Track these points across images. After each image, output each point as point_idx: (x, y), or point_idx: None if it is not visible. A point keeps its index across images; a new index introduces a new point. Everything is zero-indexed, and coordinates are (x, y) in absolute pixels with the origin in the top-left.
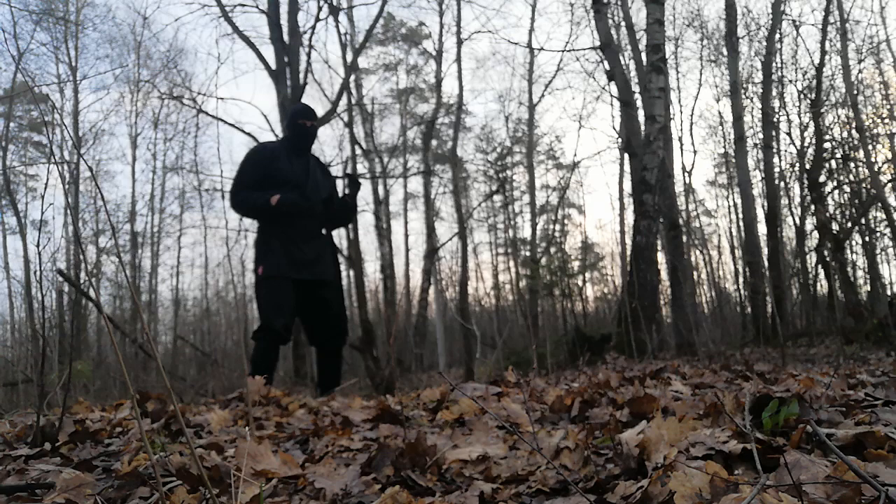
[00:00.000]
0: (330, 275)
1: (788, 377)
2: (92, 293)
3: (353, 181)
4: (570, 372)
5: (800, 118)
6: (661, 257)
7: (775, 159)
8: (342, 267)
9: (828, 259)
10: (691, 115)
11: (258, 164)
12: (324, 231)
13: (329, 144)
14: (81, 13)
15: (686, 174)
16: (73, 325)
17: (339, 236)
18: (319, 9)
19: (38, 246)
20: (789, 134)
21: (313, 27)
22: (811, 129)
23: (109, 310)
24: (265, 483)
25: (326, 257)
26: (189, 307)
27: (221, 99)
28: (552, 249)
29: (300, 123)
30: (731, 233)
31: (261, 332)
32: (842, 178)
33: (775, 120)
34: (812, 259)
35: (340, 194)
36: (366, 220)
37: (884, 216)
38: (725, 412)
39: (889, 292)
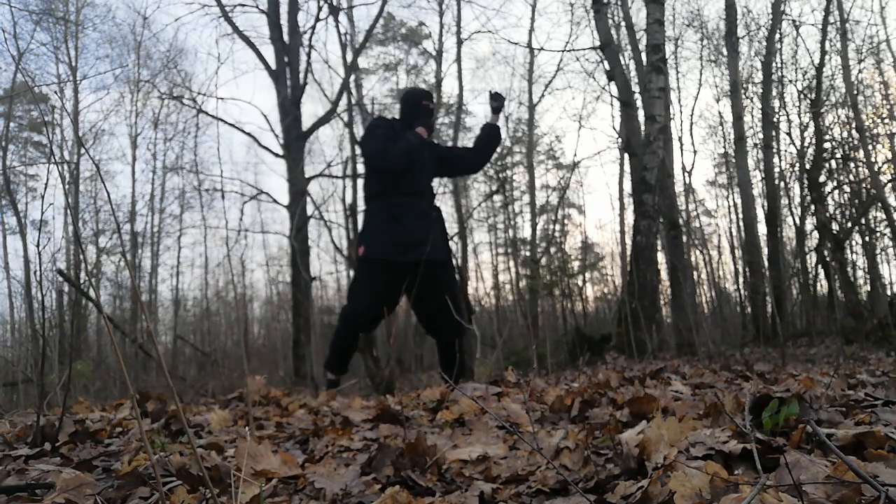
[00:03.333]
0: (440, 254)
1: (788, 377)
2: (92, 293)
3: (497, 97)
4: (570, 372)
5: (800, 118)
6: (661, 257)
7: (775, 159)
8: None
9: (828, 259)
10: (691, 115)
11: (388, 128)
12: (433, 209)
13: (329, 144)
14: (81, 13)
15: (686, 174)
16: (73, 325)
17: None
18: (319, 9)
19: (38, 246)
20: (789, 134)
21: (313, 27)
22: (811, 129)
23: (109, 310)
24: (265, 483)
25: (436, 237)
26: (189, 307)
27: (221, 99)
28: (552, 249)
29: (425, 105)
30: (731, 233)
31: (342, 314)
32: (842, 178)
33: (775, 120)
34: (812, 259)
35: (486, 117)
36: None
37: (884, 216)
38: (725, 412)
39: (889, 292)
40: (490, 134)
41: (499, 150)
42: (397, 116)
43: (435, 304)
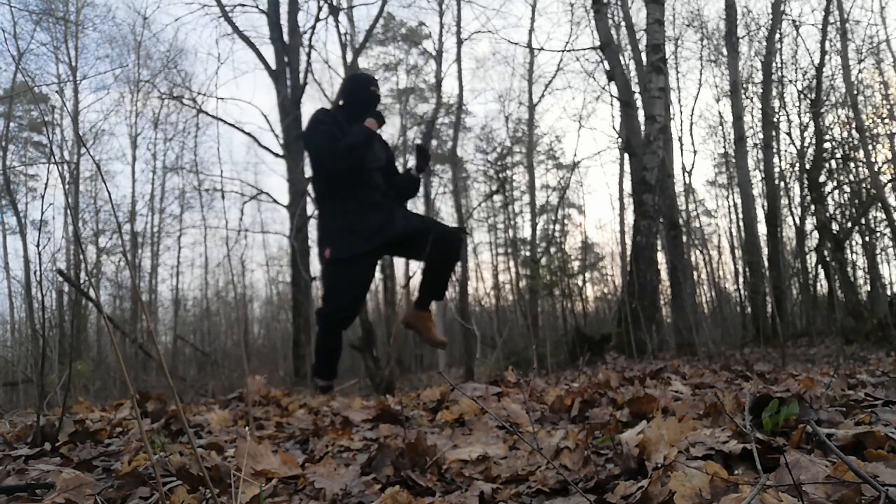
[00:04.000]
0: (403, 227)
1: (788, 377)
2: (92, 293)
3: (423, 153)
4: (570, 372)
5: (800, 118)
6: (661, 257)
7: (775, 159)
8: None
9: (828, 259)
10: (691, 115)
11: (332, 124)
12: (387, 198)
13: None
14: (81, 13)
15: (686, 174)
16: (73, 325)
17: None
18: (319, 9)
19: (38, 246)
20: (789, 134)
21: (313, 27)
22: (811, 129)
23: (109, 310)
24: (265, 483)
25: (399, 215)
26: (189, 307)
27: (221, 99)
28: (552, 249)
29: (371, 90)
30: (731, 233)
31: (321, 316)
32: (842, 178)
33: (775, 120)
34: (812, 259)
35: (407, 166)
36: None
37: (884, 216)
38: (725, 412)
39: (889, 292)
40: (409, 184)
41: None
42: (341, 105)
43: (417, 245)
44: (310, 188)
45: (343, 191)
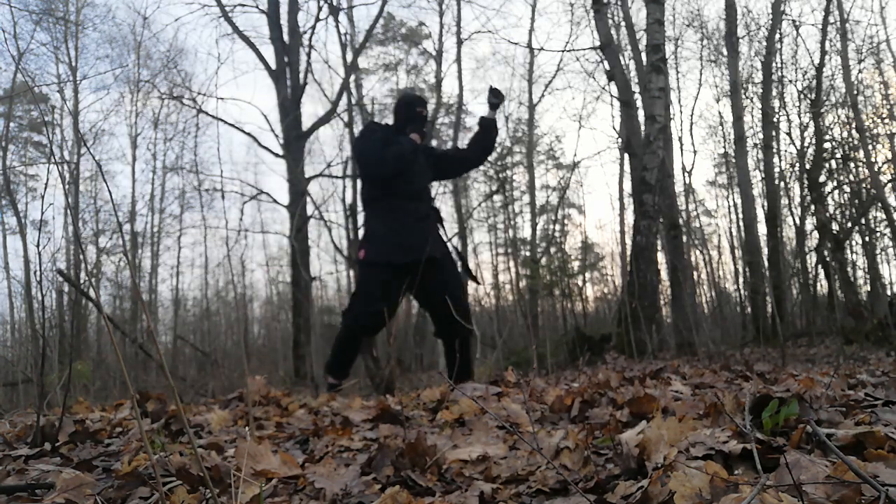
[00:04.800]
0: (438, 252)
1: (788, 377)
2: (92, 293)
3: (495, 91)
4: (570, 372)
5: (800, 118)
6: (661, 257)
7: (775, 159)
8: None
9: (828, 259)
10: (691, 115)
11: (382, 132)
12: (431, 210)
13: (329, 144)
14: (81, 13)
15: (686, 174)
16: (73, 325)
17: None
18: (319, 9)
19: (38, 246)
20: (789, 134)
21: (313, 27)
22: (811, 129)
23: (109, 310)
24: (265, 483)
25: (434, 237)
26: (189, 307)
27: (221, 99)
28: (552, 249)
29: (419, 111)
30: (731, 233)
31: (345, 318)
32: (842, 178)
33: (775, 120)
34: (812, 259)
35: (483, 112)
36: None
37: (884, 216)
38: (725, 412)
39: (889, 292)
40: (487, 128)
41: (497, 146)
42: (391, 121)
43: (436, 304)
44: (315, 193)
45: (389, 197)
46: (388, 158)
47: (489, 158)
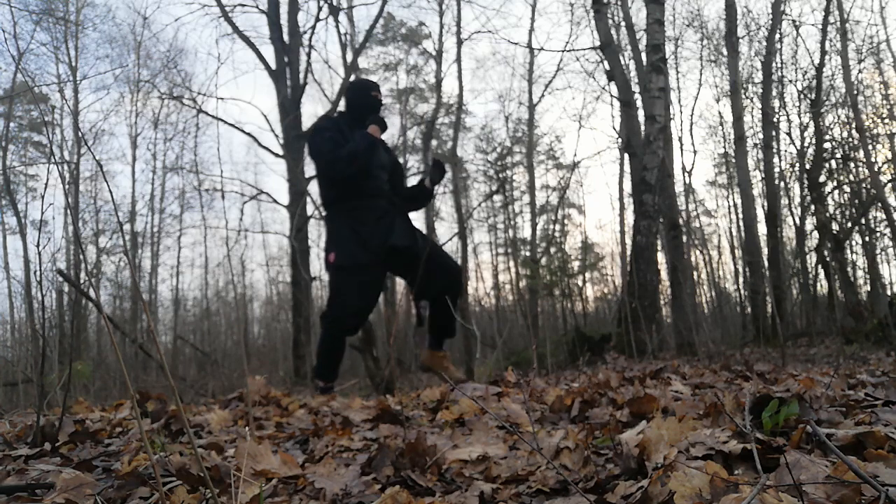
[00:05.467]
0: (406, 240)
1: (788, 377)
2: (92, 293)
3: (439, 167)
4: (570, 372)
5: (800, 118)
6: (661, 257)
7: (775, 159)
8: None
9: (828, 259)
10: (691, 115)
11: (334, 130)
12: (392, 205)
13: None
14: (81, 13)
15: (686, 174)
16: (73, 325)
17: None
18: (319, 9)
19: (38, 246)
20: (789, 134)
21: (313, 27)
22: (811, 129)
23: (109, 310)
24: (265, 483)
25: (401, 228)
26: (189, 307)
27: (221, 99)
28: (552, 249)
29: (373, 96)
30: (731, 233)
31: (325, 320)
32: (842, 178)
33: (775, 120)
34: (812, 259)
35: (421, 178)
36: None
37: (884, 216)
38: (725, 412)
39: (889, 292)
40: (424, 195)
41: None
42: (343, 111)
43: (424, 276)
44: (315, 193)
45: (348, 197)
46: (342, 157)
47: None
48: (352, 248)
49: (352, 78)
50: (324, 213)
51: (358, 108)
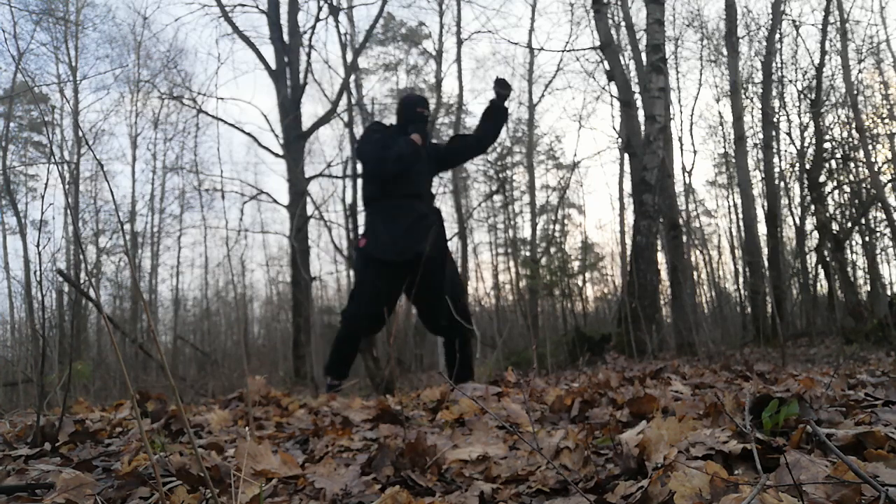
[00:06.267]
0: (438, 253)
1: (788, 377)
2: (92, 293)
3: (503, 83)
4: (570, 372)
5: (800, 118)
6: (661, 257)
7: (775, 159)
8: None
9: (828, 259)
10: (691, 115)
11: (384, 134)
12: (431, 210)
13: (329, 144)
14: (81, 13)
15: (686, 174)
16: (73, 325)
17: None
18: (319, 9)
19: (38, 246)
20: (789, 134)
21: (313, 27)
22: (811, 129)
23: (109, 310)
24: (265, 483)
25: (434, 237)
26: (189, 307)
27: (221, 99)
28: (552, 249)
29: (419, 111)
30: (731, 233)
31: (344, 317)
32: (842, 178)
33: (775, 120)
34: (812, 259)
35: (489, 102)
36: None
37: (884, 216)
38: (725, 412)
39: (889, 292)
40: (498, 110)
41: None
42: (394, 121)
43: (432, 302)
44: (315, 192)
45: (388, 197)
46: (389, 159)
47: (489, 151)
48: (383, 241)
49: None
50: (364, 209)
51: (405, 121)
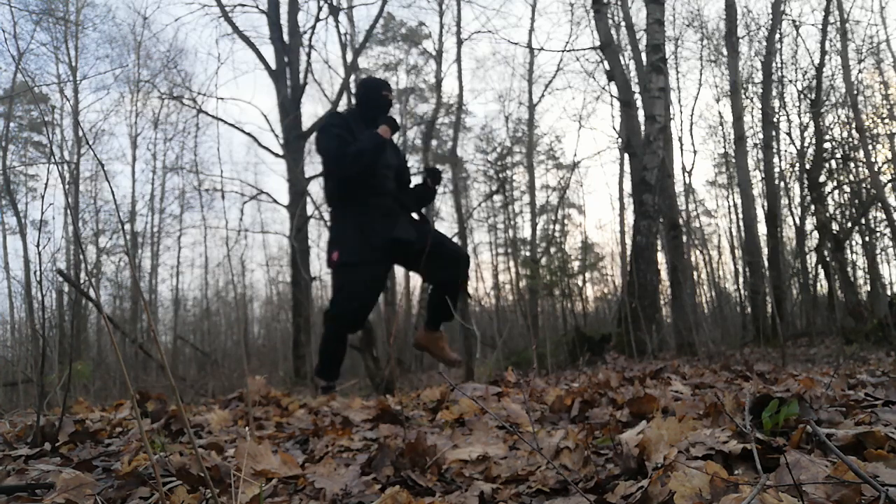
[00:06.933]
0: (409, 234)
1: (788, 377)
2: (92, 293)
3: (435, 174)
4: (570, 372)
5: (800, 118)
6: (661, 257)
7: (775, 159)
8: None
9: (828, 259)
10: (691, 115)
11: (343, 128)
12: (398, 205)
13: None
14: (81, 13)
15: (686, 174)
16: (73, 325)
17: None
18: (319, 9)
19: (38, 246)
20: (789, 134)
21: (313, 27)
22: (811, 129)
23: (109, 310)
24: (265, 483)
25: (404, 223)
26: (189, 307)
27: (221, 99)
28: (552, 249)
29: (384, 94)
30: (731, 233)
31: (328, 318)
32: (842, 178)
33: (775, 120)
34: (812, 259)
35: (421, 182)
36: None
37: (884, 216)
38: (725, 412)
39: (889, 292)
40: (425, 194)
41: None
42: (353, 107)
43: (429, 262)
44: (315, 192)
45: (353, 195)
46: (349, 156)
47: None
48: (356, 246)
49: (362, 76)
50: (328, 211)
51: (368, 107)
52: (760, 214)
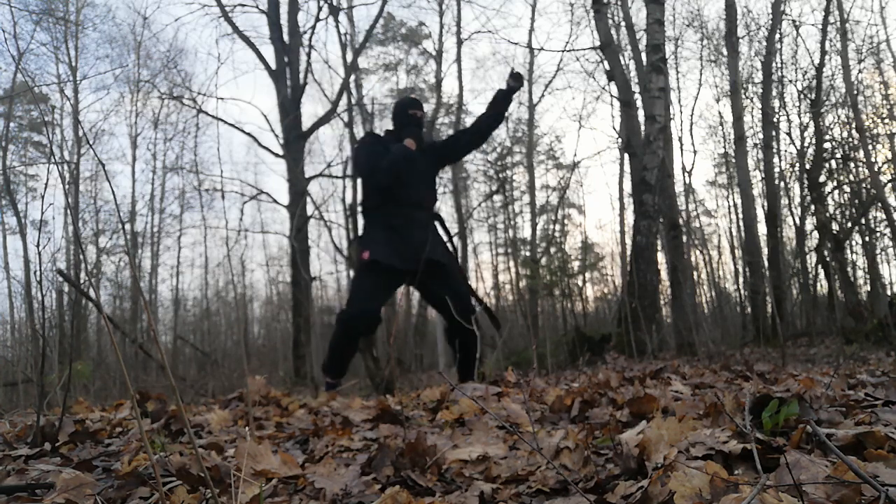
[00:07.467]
0: (437, 255)
1: (788, 377)
2: (92, 293)
3: (518, 77)
4: (570, 372)
5: (800, 118)
6: (661, 257)
7: (775, 159)
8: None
9: (828, 259)
10: (691, 115)
11: (375, 144)
12: (429, 217)
13: (329, 144)
14: (81, 13)
15: (686, 174)
16: (73, 325)
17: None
18: (319, 9)
19: (38, 246)
20: (789, 134)
21: (313, 27)
22: (811, 129)
23: (109, 310)
24: (265, 483)
25: (433, 242)
26: (189, 307)
27: (221, 99)
28: (552, 249)
29: (412, 114)
30: (731, 233)
31: (340, 315)
32: (842, 178)
33: (775, 120)
34: (812, 259)
35: (504, 87)
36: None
37: (884, 216)
38: (725, 412)
39: (889, 292)
40: (504, 97)
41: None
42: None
43: (442, 305)
44: (315, 192)
45: (387, 206)
46: (382, 168)
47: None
48: (388, 250)
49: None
50: (363, 218)
51: (398, 125)
52: (760, 214)
